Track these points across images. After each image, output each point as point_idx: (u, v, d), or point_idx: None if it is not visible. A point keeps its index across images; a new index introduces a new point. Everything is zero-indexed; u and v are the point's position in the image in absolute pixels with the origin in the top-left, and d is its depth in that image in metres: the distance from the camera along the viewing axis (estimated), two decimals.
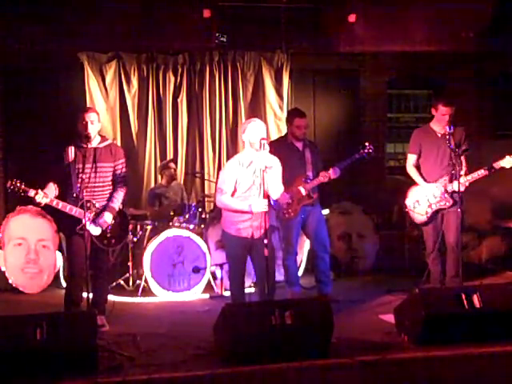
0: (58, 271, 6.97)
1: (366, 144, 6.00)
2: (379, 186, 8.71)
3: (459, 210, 5.52)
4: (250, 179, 4.96)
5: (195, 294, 6.50)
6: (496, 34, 8.07)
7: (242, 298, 5.13)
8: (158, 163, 7.93)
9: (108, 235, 5.23)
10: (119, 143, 7.54)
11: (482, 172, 5.63)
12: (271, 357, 4.02)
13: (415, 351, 4.32)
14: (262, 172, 4.85)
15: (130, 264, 6.81)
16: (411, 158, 5.99)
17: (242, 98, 8.23)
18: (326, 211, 7.24)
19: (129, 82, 8.00)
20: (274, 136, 7.76)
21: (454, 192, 5.63)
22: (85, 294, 5.05)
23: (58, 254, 6.93)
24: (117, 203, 5.25)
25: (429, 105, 8.47)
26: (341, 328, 4.47)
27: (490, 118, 9.01)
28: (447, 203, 5.74)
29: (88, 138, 5.05)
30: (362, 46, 8.17)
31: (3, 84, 7.94)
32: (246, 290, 5.50)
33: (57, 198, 5.02)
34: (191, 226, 6.81)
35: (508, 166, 5.55)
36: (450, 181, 5.71)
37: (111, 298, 5.72)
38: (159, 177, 7.68)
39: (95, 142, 5.19)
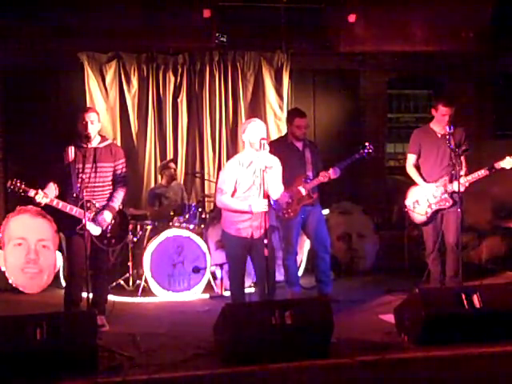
0: (58, 271, 6.96)
1: (366, 144, 6.00)
2: (379, 186, 8.71)
3: (459, 210, 5.51)
4: (250, 179, 4.96)
5: (195, 294, 6.50)
6: (496, 34, 8.08)
7: (242, 298, 5.12)
8: (158, 163, 7.92)
9: (108, 235, 5.22)
10: (119, 143, 7.54)
11: (482, 172, 5.62)
12: (271, 357, 4.02)
13: (415, 351, 4.33)
14: (262, 172, 4.85)
15: (129, 264, 6.81)
16: (411, 158, 5.99)
17: (242, 98, 8.23)
18: (326, 211, 7.24)
19: (129, 81, 8.00)
20: (274, 136, 7.76)
21: (453, 192, 5.63)
22: (85, 294, 5.05)
23: (58, 254, 6.93)
24: (117, 203, 5.24)
25: (429, 105, 8.50)
26: (341, 328, 4.47)
27: (489, 118, 9.02)
28: (447, 203, 5.74)
29: (88, 138, 5.05)
30: (362, 46, 8.18)
31: (3, 84, 7.93)
32: (246, 290, 5.49)
33: (57, 197, 5.02)
34: (191, 226, 6.81)
35: (508, 167, 5.55)
36: (450, 181, 5.71)
37: (111, 297, 5.72)
38: (159, 177, 7.67)
39: (95, 141, 5.19)
